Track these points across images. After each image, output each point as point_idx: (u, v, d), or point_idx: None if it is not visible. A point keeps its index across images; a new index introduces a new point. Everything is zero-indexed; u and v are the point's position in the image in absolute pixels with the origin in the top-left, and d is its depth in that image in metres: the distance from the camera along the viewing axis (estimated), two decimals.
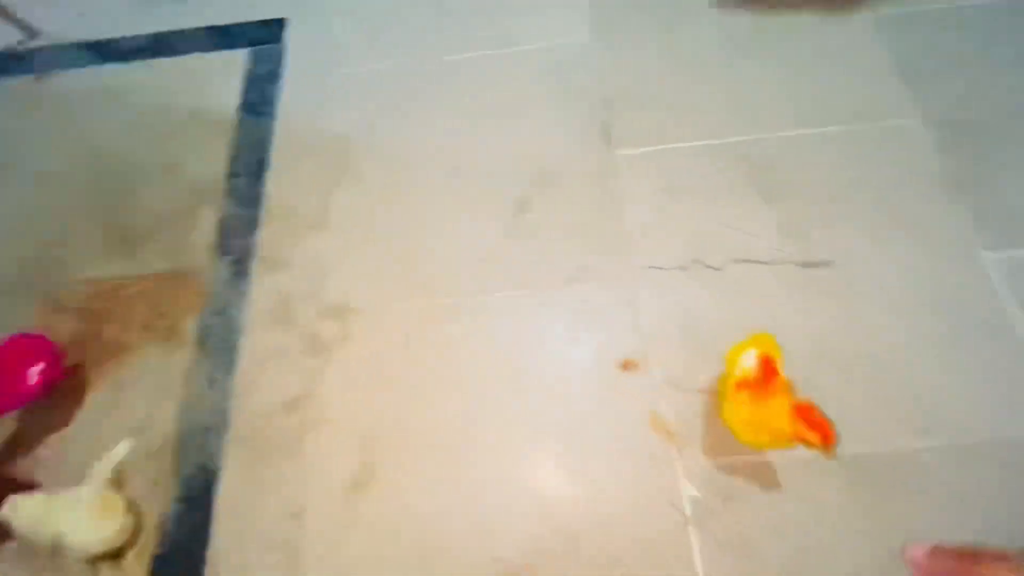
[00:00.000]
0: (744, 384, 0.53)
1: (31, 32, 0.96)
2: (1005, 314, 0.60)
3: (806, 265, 0.66)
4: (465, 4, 0.91)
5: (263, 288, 0.71)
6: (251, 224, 0.76)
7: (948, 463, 0.54)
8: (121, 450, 0.58)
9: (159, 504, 0.60)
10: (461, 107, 0.82)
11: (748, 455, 0.56)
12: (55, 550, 0.55)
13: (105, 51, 0.94)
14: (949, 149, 0.70)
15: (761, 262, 0.66)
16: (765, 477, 0.56)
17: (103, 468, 0.57)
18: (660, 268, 0.67)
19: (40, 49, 0.96)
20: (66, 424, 0.65)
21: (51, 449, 0.63)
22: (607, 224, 0.71)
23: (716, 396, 0.58)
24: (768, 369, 0.53)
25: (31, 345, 0.62)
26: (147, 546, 0.58)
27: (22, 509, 0.56)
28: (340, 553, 0.56)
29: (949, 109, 0.73)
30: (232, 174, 0.80)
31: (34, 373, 0.60)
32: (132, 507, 0.58)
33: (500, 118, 0.80)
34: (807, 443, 0.48)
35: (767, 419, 0.50)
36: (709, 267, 0.67)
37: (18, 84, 0.93)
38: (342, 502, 0.59)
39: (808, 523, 0.54)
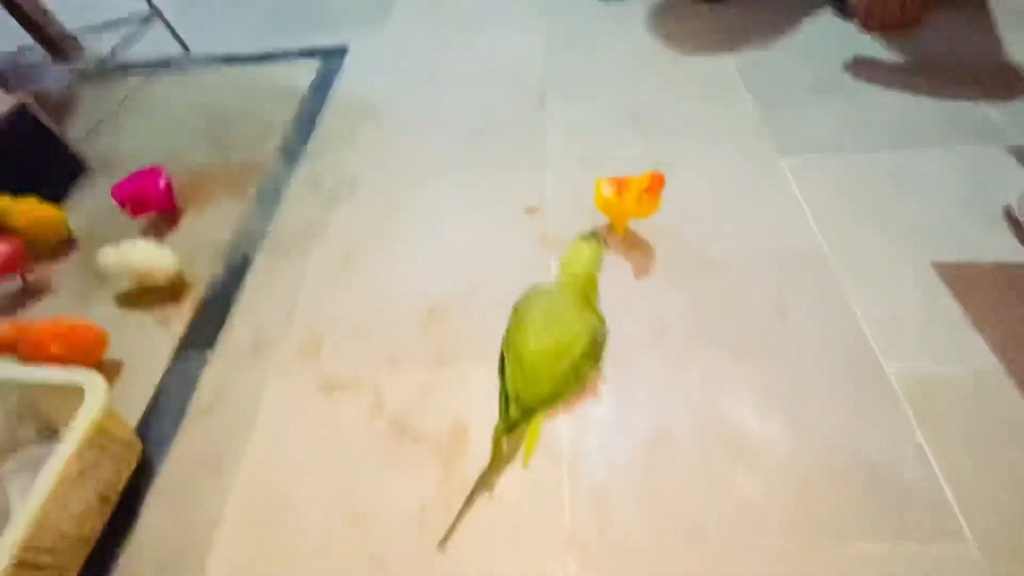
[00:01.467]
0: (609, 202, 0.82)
1: (185, 47, 1.48)
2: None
3: (656, 164, 0.98)
4: (460, 38, 1.39)
5: (303, 170, 1.09)
6: (302, 141, 1.15)
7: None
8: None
9: (212, 277, 0.92)
10: (446, 88, 1.24)
11: None
12: (139, 279, 0.87)
13: (230, 60, 1.45)
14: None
15: (626, 160, 0.99)
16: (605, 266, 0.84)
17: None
18: (563, 165, 1.01)
19: (189, 57, 1.47)
20: (169, 232, 1.00)
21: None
22: (533, 147, 1.06)
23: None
24: (618, 182, 0.82)
25: (155, 172, 0.99)
26: (198, 295, 0.89)
27: (111, 256, 0.88)
28: (327, 305, 0.85)
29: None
30: (296, 117, 1.22)
31: (162, 185, 0.97)
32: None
33: (471, 93, 1.21)
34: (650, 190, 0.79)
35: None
36: (594, 163, 1.00)
37: (178, 76, 1.42)
38: (332, 275, 0.89)
39: None
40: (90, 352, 0.77)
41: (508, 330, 0.73)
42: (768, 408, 0.67)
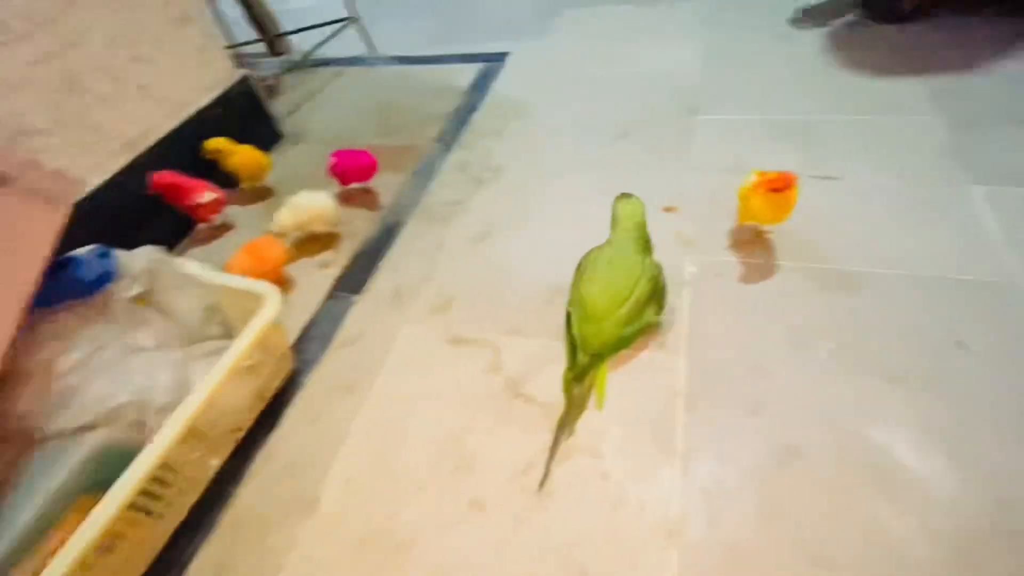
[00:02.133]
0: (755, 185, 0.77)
1: (372, 49, 1.70)
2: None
3: (815, 177, 0.91)
4: (617, 49, 1.42)
5: (455, 156, 1.18)
6: (457, 131, 1.26)
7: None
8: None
9: (367, 235, 1.03)
10: (597, 94, 1.27)
11: (731, 257, 0.81)
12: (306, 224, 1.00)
13: (405, 60, 1.63)
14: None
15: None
16: (746, 271, 0.79)
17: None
18: (708, 170, 0.98)
19: (373, 57, 1.69)
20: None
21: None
22: (678, 152, 1.05)
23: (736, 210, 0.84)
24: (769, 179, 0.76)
25: (366, 153, 1.11)
26: (354, 248, 1.00)
27: (280, 216, 1.00)
28: (460, 271, 0.91)
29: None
30: (455, 112, 1.34)
31: (368, 164, 1.11)
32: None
33: (621, 100, 1.23)
34: (774, 187, 0.74)
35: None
36: (743, 171, 0.96)
37: (358, 70, 1.64)
38: (468, 247, 0.95)
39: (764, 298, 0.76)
40: (275, 265, 0.91)
41: (572, 285, 0.75)
42: (931, 445, 0.58)
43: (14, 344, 0.58)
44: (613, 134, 1.14)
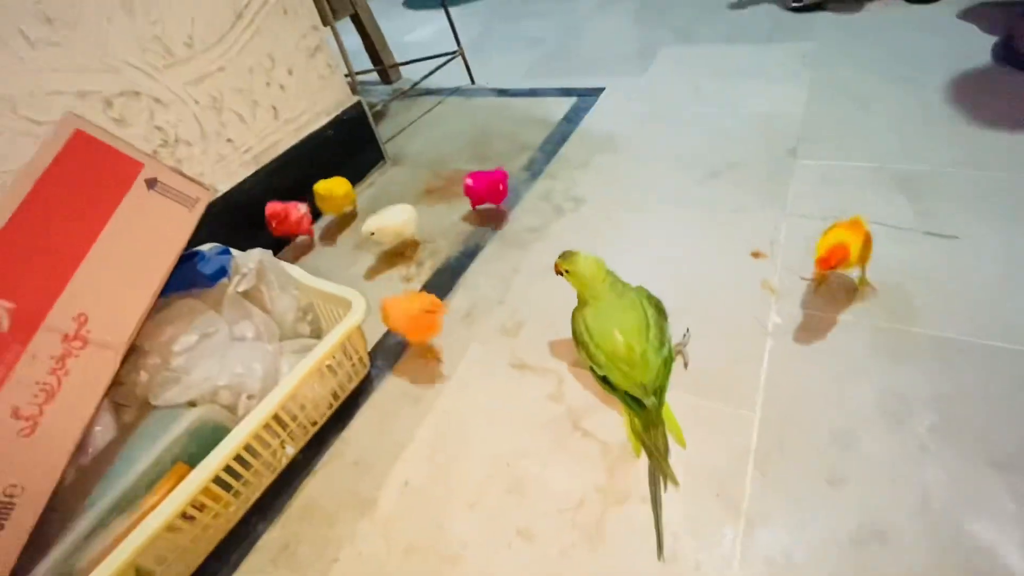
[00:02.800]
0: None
1: (472, 80, 1.80)
2: None
3: (929, 233, 0.84)
4: (713, 87, 1.40)
5: (539, 186, 1.21)
6: (545, 161, 1.29)
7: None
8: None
9: (451, 252, 1.08)
10: (690, 132, 1.26)
11: (821, 312, 0.76)
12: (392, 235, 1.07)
13: (503, 92, 1.71)
14: None
15: (890, 226, 0.87)
16: (837, 328, 0.74)
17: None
18: (803, 216, 0.93)
19: (473, 88, 1.79)
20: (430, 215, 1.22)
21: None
22: (773, 196, 1.01)
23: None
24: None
25: (501, 175, 1.12)
26: (436, 264, 1.06)
27: (372, 223, 1.06)
28: (533, 297, 0.93)
29: None
30: (545, 143, 1.38)
31: (503, 187, 1.12)
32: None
33: (715, 139, 1.21)
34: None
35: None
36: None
37: (458, 99, 1.74)
38: (543, 273, 0.96)
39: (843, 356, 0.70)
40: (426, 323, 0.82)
41: (588, 356, 0.71)
42: None
43: (143, 324, 0.67)
44: (703, 173, 1.12)
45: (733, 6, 1.88)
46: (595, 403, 0.73)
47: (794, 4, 1.49)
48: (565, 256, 0.74)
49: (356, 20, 1.87)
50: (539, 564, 0.59)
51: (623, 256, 0.96)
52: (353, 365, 0.80)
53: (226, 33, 1.03)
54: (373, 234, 1.04)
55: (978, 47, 1.27)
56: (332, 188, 1.18)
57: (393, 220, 1.06)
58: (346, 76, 1.36)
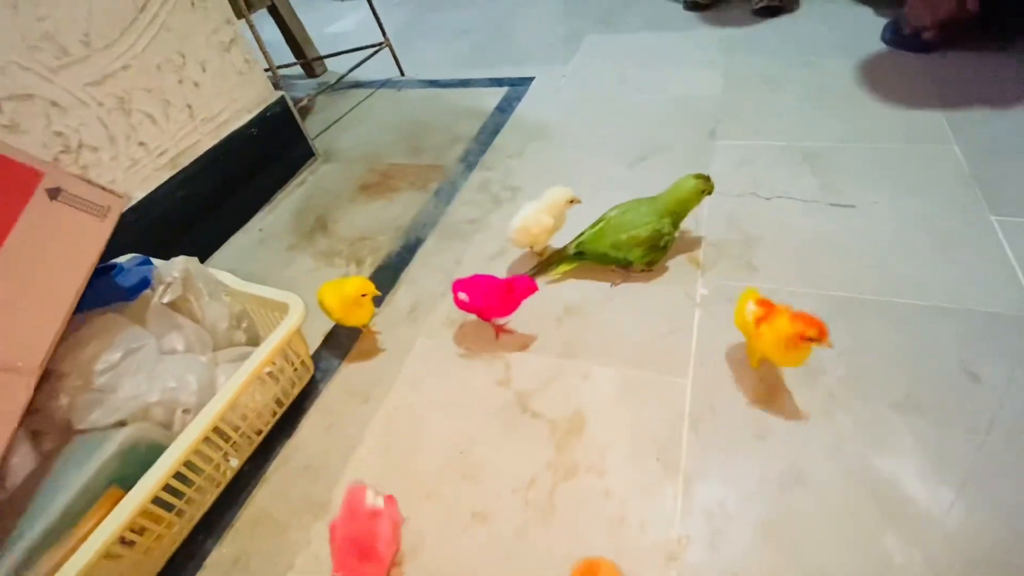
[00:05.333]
0: (757, 321, 0.65)
1: (401, 72, 1.77)
2: None
3: (833, 204, 0.92)
4: (637, 74, 1.45)
5: (476, 176, 1.22)
6: (480, 152, 1.30)
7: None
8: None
9: (391, 248, 1.07)
10: (617, 117, 1.30)
11: (741, 282, 0.82)
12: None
13: (434, 83, 1.70)
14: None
15: (798, 199, 0.94)
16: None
17: None
18: (724, 194, 0.99)
19: (403, 80, 1.76)
20: (367, 212, 1.19)
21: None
22: (698, 169, 1.06)
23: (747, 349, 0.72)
24: (765, 304, 0.67)
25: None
26: (373, 263, 1.04)
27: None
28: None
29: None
30: (479, 133, 1.38)
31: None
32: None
33: (640, 124, 1.26)
34: (810, 338, 0.60)
35: (779, 331, 0.62)
36: (760, 196, 0.97)
37: (388, 91, 1.71)
38: (486, 263, 0.98)
39: None
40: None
41: (605, 212, 0.91)
42: (939, 477, 0.58)
43: (57, 344, 0.62)
44: (632, 156, 1.16)
45: None
46: (542, 383, 0.75)
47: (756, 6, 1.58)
48: (696, 174, 0.86)
49: (274, 12, 1.79)
50: (496, 544, 0.61)
51: (561, 240, 0.99)
52: (296, 369, 0.78)
53: (127, 28, 0.96)
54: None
55: (872, 30, 1.39)
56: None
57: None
58: (266, 71, 1.31)
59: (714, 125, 1.19)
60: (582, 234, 0.90)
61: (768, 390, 0.69)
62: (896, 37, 1.29)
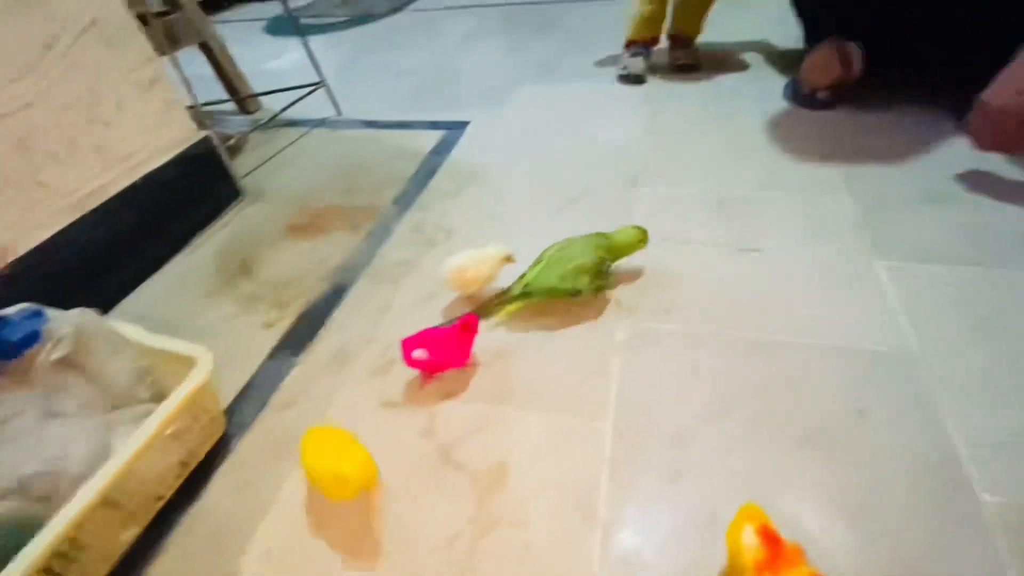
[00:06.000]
0: (760, 567, 0.51)
1: (339, 111, 1.77)
2: None
3: (741, 249, 0.98)
4: (569, 122, 1.52)
5: (410, 217, 1.22)
6: (415, 194, 1.31)
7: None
8: None
9: (315, 294, 1.04)
10: (548, 163, 1.35)
11: (657, 324, 0.86)
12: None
13: (371, 124, 1.71)
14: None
15: (711, 244, 1.01)
16: (673, 339, 0.84)
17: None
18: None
19: (340, 120, 1.76)
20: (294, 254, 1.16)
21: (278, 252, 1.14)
22: (619, 221, 1.11)
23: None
24: (771, 539, 0.52)
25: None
26: (297, 309, 1.01)
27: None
28: (405, 333, 0.93)
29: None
30: (415, 174, 1.39)
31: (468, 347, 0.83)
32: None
33: (569, 169, 1.31)
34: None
35: None
36: (677, 241, 1.02)
37: (324, 131, 1.70)
38: (415, 307, 0.97)
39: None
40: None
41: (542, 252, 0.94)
42: (833, 513, 0.61)
43: None
44: (561, 201, 1.20)
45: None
46: (466, 433, 0.75)
47: (620, 73, 1.70)
48: (632, 225, 0.95)
49: (205, 48, 1.76)
50: None
51: (502, 282, 1.00)
52: (204, 427, 0.74)
53: (34, 66, 0.92)
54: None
55: (777, 87, 1.53)
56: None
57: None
58: (191, 108, 1.27)
59: (636, 173, 1.25)
60: (524, 276, 0.92)
61: (681, 432, 0.71)
62: (795, 96, 1.42)
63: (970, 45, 1.23)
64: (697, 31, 1.72)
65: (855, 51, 1.30)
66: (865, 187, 1.10)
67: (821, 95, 1.36)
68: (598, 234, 0.93)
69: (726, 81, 1.62)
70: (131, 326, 0.78)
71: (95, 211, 1.04)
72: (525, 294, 0.90)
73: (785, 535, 0.59)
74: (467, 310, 0.94)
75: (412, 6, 3.00)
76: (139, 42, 1.11)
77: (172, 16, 1.61)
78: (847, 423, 0.69)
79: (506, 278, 0.94)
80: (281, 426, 0.79)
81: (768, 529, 0.52)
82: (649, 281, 0.95)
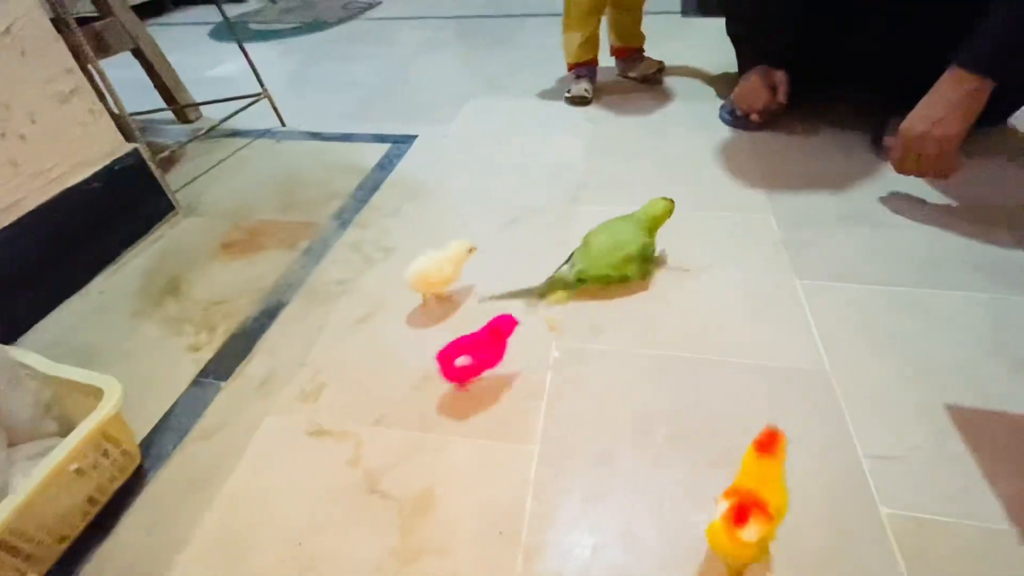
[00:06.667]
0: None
1: (283, 123, 1.73)
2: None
3: (671, 268, 1.02)
4: (514, 138, 1.54)
5: (350, 235, 1.20)
6: (356, 209, 1.29)
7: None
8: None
9: (246, 315, 1.01)
10: (492, 180, 1.36)
11: (588, 344, 0.88)
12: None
13: (316, 136, 1.68)
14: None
15: None
16: (604, 358, 0.85)
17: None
18: None
19: (283, 131, 1.72)
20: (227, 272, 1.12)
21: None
22: (560, 238, 1.13)
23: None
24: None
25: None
26: (227, 331, 0.98)
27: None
28: (337, 356, 0.91)
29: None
30: (357, 189, 1.38)
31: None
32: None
33: (513, 186, 1.32)
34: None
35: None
36: None
37: (266, 142, 1.66)
38: (349, 330, 0.96)
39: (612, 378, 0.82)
40: None
41: (588, 233, 1.02)
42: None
43: None
44: (504, 219, 1.21)
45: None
46: (393, 460, 0.74)
47: (567, 96, 1.73)
48: (661, 197, 1.03)
49: (139, 55, 1.69)
50: None
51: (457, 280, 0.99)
52: (114, 461, 0.70)
53: None
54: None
55: (714, 108, 1.59)
56: None
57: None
58: (118, 119, 1.22)
59: (576, 191, 1.28)
60: (570, 261, 1.00)
61: (606, 451, 0.73)
62: (730, 118, 1.48)
63: (888, 74, 1.31)
64: (641, 41, 1.80)
65: (781, 79, 1.37)
66: (788, 208, 1.16)
67: (753, 118, 1.42)
68: (637, 217, 1.02)
69: (665, 103, 1.68)
70: (34, 355, 0.73)
71: (9, 228, 0.98)
72: (580, 280, 0.97)
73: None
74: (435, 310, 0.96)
75: (366, 15, 2.98)
76: (58, 51, 1.06)
77: (101, 22, 1.54)
78: None
79: (471, 273, 0.98)
80: (201, 457, 0.77)
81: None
82: (582, 300, 0.97)
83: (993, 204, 1.10)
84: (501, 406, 0.80)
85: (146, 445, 0.78)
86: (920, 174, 1.11)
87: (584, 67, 1.72)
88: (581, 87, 1.69)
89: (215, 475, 0.74)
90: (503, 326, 0.81)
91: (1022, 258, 0.97)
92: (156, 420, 0.82)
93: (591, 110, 1.66)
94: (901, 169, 1.11)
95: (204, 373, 0.89)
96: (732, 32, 1.51)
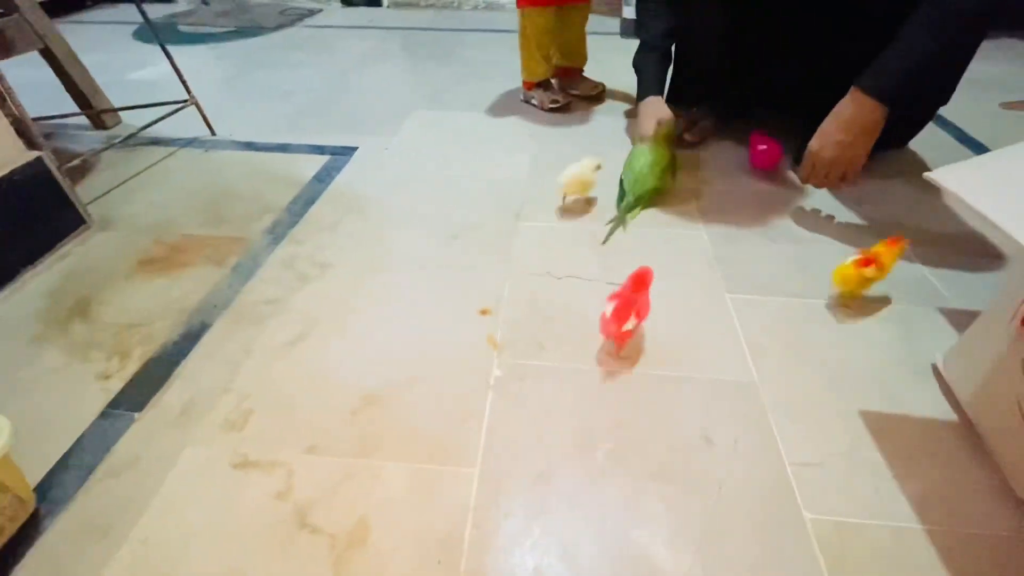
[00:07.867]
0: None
1: (212, 131, 1.64)
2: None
3: (610, 283, 1.04)
4: (458, 152, 1.53)
5: (282, 251, 1.15)
6: (291, 224, 1.24)
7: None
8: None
9: (165, 339, 0.94)
10: (434, 195, 1.35)
11: (528, 360, 0.87)
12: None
13: (249, 146, 1.60)
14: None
15: (584, 279, 1.05)
16: (547, 375, 0.85)
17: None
18: (525, 273, 1.07)
19: (213, 140, 1.63)
20: (144, 292, 1.04)
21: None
22: (499, 256, 1.13)
23: None
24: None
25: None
26: (142, 356, 0.91)
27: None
28: (266, 380, 0.86)
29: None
30: (292, 203, 1.32)
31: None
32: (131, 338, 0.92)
33: (455, 202, 1.31)
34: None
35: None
36: (553, 276, 1.06)
37: (193, 152, 1.57)
38: (280, 352, 0.91)
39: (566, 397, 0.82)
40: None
41: (626, 164, 1.33)
42: (681, 542, 0.65)
43: None
44: (445, 234, 1.20)
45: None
46: (327, 491, 0.70)
47: (550, 106, 1.79)
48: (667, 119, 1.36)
49: (48, 55, 1.56)
50: None
51: (365, 319, 0.97)
52: (3, 510, 0.63)
53: None
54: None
55: None
56: None
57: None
58: (18, 124, 1.11)
59: (519, 207, 1.28)
60: (622, 193, 1.29)
61: (546, 469, 0.72)
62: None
63: (807, 102, 1.41)
64: (584, 60, 1.88)
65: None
66: (719, 224, 1.21)
67: (688, 137, 1.49)
68: (655, 141, 1.31)
69: (606, 120, 1.73)
70: None
71: None
72: (640, 198, 1.24)
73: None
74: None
75: (306, 21, 2.90)
76: None
77: (4, 19, 1.41)
78: (696, 451, 0.74)
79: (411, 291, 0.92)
80: (108, 497, 0.70)
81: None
82: (525, 316, 0.97)
83: (896, 221, 1.20)
84: (440, 428, 0.78)
85: (44, 488, 0.70)
86: (829, 187, 1.21)
87: (541, 85, 1.79)
88: (550, 96, 1.76)
89: (123, 517, 0.67)
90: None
91: (922, 271, 1.06)
92: (56, 459, 0.74)
93: (534, 128, 1.68)
94: (813, 184, 1.20)
95: (115, 404, 0.82)
96: (638, 63, 1.56)
